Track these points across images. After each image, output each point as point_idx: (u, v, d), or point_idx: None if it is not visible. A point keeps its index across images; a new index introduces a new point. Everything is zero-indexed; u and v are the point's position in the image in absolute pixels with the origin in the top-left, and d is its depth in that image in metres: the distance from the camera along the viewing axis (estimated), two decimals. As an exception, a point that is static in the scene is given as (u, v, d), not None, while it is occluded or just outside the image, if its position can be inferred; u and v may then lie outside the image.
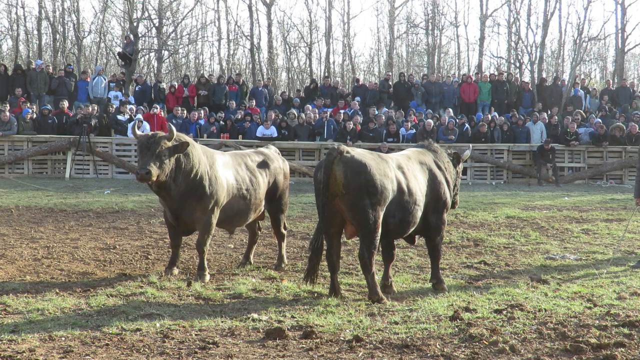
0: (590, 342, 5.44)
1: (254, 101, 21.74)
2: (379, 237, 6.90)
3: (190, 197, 7.77)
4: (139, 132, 7.83)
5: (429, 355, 5.26)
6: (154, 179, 7.41)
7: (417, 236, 7.83)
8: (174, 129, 7.70)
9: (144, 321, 6.00)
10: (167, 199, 7.80)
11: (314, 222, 12.16)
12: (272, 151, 9.03)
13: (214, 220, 8.03)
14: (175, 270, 8.07)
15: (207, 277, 7.85)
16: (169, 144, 7.54)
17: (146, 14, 29.70)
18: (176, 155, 7.61)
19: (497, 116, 21.68)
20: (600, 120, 21.36)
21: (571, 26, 35.28)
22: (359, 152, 6.95)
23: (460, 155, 8.23)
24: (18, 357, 5.03)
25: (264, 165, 8.65)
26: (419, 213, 7.25)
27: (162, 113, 20.70)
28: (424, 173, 7.44)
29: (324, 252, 7.11)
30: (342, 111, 21.11)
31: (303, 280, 7.28)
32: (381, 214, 6.84)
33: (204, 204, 7.85)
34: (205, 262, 8.03)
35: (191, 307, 6.61)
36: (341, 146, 6.91)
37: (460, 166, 8.24)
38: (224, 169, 8.14)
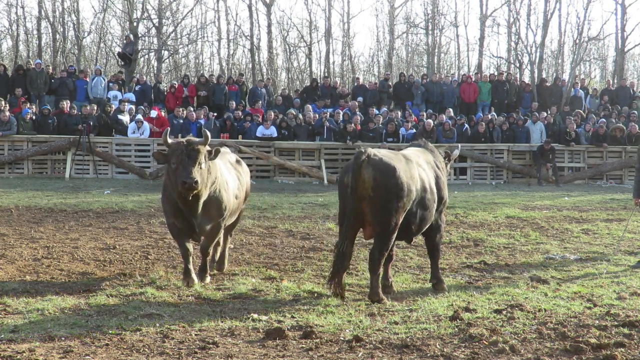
0: (590, 342, 5.44)
1: (260, 102, 21.72)
2: (394, 239, 6.95)
3: (209, 205, 7.48)
4: (170, 140, 7.44)
5: (429, 355, 5.26)
6: (200, 187, 7.10)
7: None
8: (209, 134, 7.42)
9: (144, 321, 5.99)
10: (193, 209, 7.36)
11: (313, 222, 12.17)
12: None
13: (223, 226, 7.93)
14: (194, 277, 7.59)
15: (208, 279, 7.79)
16: (205, 150, 7.26)
17: (146, 14, 29.72)
18: (209, 162, 7.32)
19: (496, 116, 21.68)
20: (605, 120, 21.41)
21: (571, 26, 35.23)
22: (385, 154, 6.97)
23: (450, 154, 8.28)
24: (18, 357, 5.03)
25: (239, 163, 8.58)
26: (434, 210, 7.35)
27: (163, 113, 20.69)
28: (432, 172, 7.51)
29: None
30: (340, 111, 21.11)
31: (326, 284, 7.08)
32: (402, 217, 6.87)
33: (222, 211, 7.65)
34: (208, 264, 7.95)
35: (191, 307, 6.60)
36: (368, 149, 6.89)
37: (449, 165, 8.28)
38: (224, 170, 8.02)
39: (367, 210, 6.76)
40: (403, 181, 6.77)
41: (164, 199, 7.71)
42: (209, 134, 7.41)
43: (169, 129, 8.19)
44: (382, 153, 6.95)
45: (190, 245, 7.80)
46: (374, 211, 6.75)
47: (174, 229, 7.74)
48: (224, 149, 7.96)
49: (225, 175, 7.90)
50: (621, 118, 21.97)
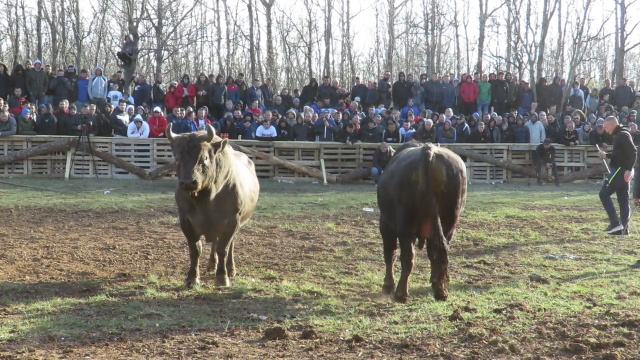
0: (590, 341, 5.44)
1: (257, 101, 21.70)
2: None
3: (224, 200, 7.34)
4: (174, 135, 7.21)
5: (428, 355, 5.26)
6: (200, 187, 6.93)
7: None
8: (213, 129, 7.20)
9: (143, 321, 6.00)
10: (204, 203, 7.22)
11: (313, 222, 12.17)
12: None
13: (239, 223, 7.79)
14: (198, 281, 7.54)
15: (228, 282, 7.59)
16: (209, 145, 7.02)
17: (146, 14, 29.71)
18: (216, 156, 7.11)
19: (497, 115, 21.69)
20: (603, 120, 21.37)
21: (571, 26, 35.27)
22: (446, 151, 7.10)
23: None
24: (18, 357, 5.03)
25: (250, 164, 8.52)
26: None
27: (162, 113, 20.65)
28: None
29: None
30: (337, 111, 21.10)
31: (432, 286, 7.04)
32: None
33: (236, 207, 7.51)
34: (225, 265, 7.76)
35: (191, 307, 6.61)
36: (430, 145, 6.92)
37: None
38: (242, 170, 7.87)
39: (439, 205, 6.81)
40: (465, 175, 7.04)
41: (179, 195, 7.54)
42: (213, 129, 7.22)
43: (171, 124, 8.00)
44: (442, 149, 7.09)
45: (200, 246, 7.72)
46: (444, 206, 6.84)
47: (187, 227, 7.59)
48: (228, 148, 7.88)
49: (243, 175, 7.78)
50: (624, 119, 21.93)
